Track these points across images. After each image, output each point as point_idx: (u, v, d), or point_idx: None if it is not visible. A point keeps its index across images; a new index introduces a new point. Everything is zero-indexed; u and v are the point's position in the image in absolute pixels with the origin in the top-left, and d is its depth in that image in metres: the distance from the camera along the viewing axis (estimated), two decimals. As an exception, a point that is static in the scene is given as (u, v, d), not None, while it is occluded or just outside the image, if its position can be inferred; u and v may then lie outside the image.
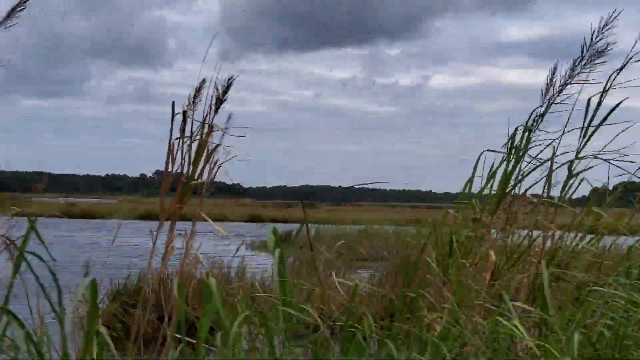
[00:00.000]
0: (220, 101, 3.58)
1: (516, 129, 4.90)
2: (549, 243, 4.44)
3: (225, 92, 3.51)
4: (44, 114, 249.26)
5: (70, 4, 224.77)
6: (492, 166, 4.69)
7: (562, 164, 4.64)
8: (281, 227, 6.07)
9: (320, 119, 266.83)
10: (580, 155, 4.64)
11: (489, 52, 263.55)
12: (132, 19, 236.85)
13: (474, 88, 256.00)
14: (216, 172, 3.88)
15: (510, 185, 4.65)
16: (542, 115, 4.91)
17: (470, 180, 4.75)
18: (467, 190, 4.76)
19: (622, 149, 4.58)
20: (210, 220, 3.76)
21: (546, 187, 4.55)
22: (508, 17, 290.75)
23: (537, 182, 4.62)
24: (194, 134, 3.81)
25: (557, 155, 4.65)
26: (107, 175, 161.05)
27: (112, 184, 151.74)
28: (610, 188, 4.78)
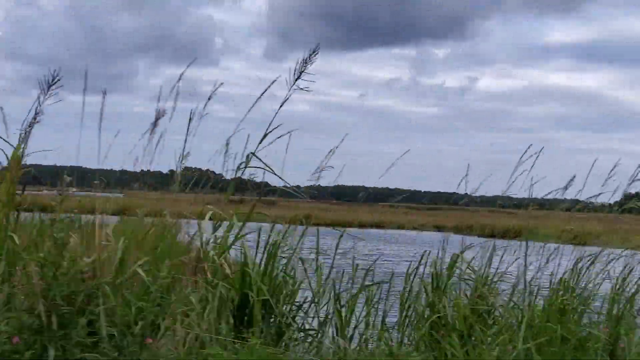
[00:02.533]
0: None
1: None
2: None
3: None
4: (91, 110, 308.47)
5: (119, 1, 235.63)
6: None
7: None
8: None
9: (363, 119, 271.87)
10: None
11: (535, 54, 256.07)
12: (179, 17, 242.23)
13: (518, 91, 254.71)
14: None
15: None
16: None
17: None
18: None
19: None
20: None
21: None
22: (556, 18, 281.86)
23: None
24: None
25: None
26: (141, 170, 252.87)
27: (141, 179, 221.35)
28: None
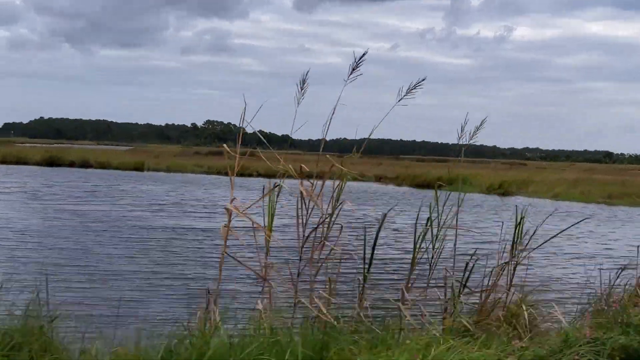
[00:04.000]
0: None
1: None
2: None
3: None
4: (119, 64, 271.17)
5: None
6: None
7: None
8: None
9: (394, 71, 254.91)
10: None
11: (573, 2, 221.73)
12: None
13: (554, 40, 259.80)
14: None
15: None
16: None
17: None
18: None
19: None
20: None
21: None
22: None
23: None
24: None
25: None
26: (166, 124, 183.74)
27: (163, 133, 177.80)
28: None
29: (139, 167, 52.54)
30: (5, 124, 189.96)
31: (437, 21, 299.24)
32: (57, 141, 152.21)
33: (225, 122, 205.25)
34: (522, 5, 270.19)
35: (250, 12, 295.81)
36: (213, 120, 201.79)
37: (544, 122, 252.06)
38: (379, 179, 55.46)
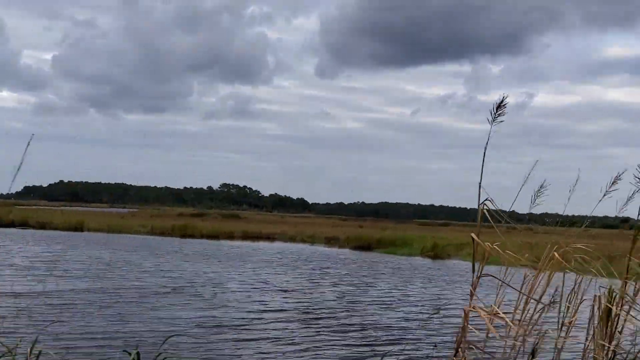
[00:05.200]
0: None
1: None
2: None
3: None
4: (143, 128, 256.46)
5: (173, 21, 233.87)
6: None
7: None
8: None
9: (415, 136, 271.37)
10: None
11: (593, 70, 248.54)
12: (233, 36, 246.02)
13: (575, 107, 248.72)
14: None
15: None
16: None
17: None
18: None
19: None
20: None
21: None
22: (615, 32, 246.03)
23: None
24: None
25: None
26: (184, 187, 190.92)
27: (180, 196, 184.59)
28: None
29: (79, 228, 51.78)
30: (26, 187, 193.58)
31: (459, 87, 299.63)
32: (70, 204, 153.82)
33: (241, 185, 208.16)
34: (542, 72, 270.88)
35: (273, 78, 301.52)
36: (229, 184, 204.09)
37: (564, 188, 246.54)
38: (329, 240, 54.25)
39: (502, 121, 4.78)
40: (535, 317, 4.52)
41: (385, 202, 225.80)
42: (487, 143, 4.80)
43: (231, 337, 13.05)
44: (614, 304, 4.76)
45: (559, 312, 4.89)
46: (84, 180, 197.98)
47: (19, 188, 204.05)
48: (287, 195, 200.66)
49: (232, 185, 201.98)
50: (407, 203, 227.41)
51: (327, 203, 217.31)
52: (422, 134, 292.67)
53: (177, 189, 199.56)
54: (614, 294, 4.87)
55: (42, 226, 51.64)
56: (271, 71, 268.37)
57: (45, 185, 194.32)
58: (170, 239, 48.84)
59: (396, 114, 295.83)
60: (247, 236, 54.56)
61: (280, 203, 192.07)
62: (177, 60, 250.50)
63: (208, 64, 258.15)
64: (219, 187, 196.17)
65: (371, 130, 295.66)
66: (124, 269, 25.03)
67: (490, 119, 4.71)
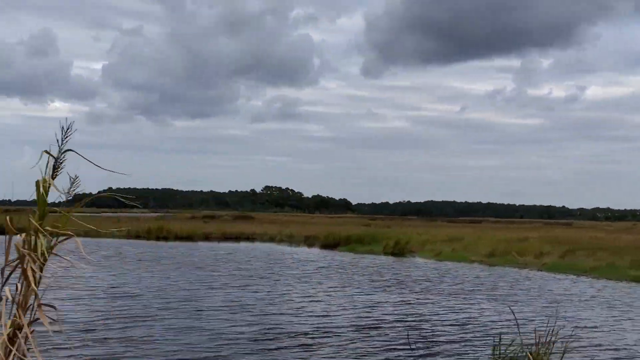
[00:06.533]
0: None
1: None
2: None
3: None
4: (191, 134, 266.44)
5: (218, 26, 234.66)
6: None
7: None
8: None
9: (463, 133, 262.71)
10: None
11: None
12: (277, 38, 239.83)
13: (626, 98, 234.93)
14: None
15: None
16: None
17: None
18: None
19: None
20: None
21: None
22: None
23: None
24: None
25: None
26: (229, 191, 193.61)
27: (223, 199, 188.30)
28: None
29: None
30: (76, 195, 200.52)
31: (507, 82, 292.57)
32: (115, 210, 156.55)
33: (284, 187, 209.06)
34: (592, 64, 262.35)
35: (319, 79, 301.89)
36: (271, 186, 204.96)
37: (616, 181, 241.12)
38: (307, 239, 54.46)
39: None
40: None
41: (432, 201, 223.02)
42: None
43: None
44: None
45: None
46: (131, 187, 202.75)
47: (69, 196, 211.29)
48: (330, 196, 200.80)
49: (275, 187, 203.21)
50: (454, 201, 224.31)
51: (372, 203, 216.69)
52: (470, 131, 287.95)
53: (222, 192, 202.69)
54: None
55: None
56: (316, 72, 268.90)
57: (94, 192, 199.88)
58: (144, 241, 49.80)
59: (443, 111, 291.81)
60: (226, 237, 55.18)
61: (322, 204, 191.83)
62: (223, 65, 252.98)
63: (253, 67, 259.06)
64: (262, 190, 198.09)
65: (417, 128, 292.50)
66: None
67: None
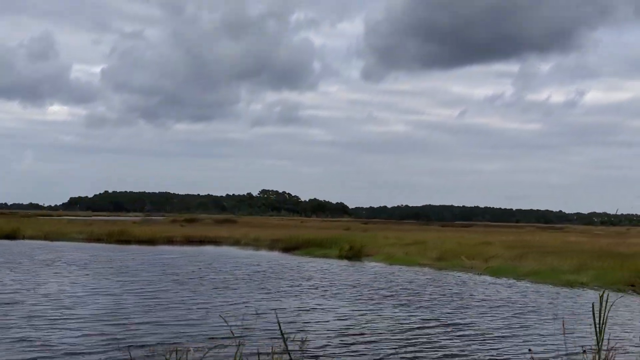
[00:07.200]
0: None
1: None
2: None
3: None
4: (191, 137, 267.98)
5: (219, 29, 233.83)
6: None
7: None
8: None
9: (463, 137, 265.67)
10: None
11: None
12: (278, 42, 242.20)
13: (627, 103, 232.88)
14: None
15: None
16: None
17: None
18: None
19: None
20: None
21: None
22: None
23: None
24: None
25: None
26: (226, 194, 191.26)
27: (221, 203, 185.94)
28: None
29: (12, 235, 51.93)
30: (72, 198, 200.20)
31: (507, 87, 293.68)
32: (112, 214, 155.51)
33: (281, 191, 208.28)
34: (592, 69, 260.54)
35: (320, 83, 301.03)
36: (268, 190, 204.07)
37: (614, 186, 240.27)
38: (273, 243, 53.57)
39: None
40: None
41: (429, 205, 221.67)
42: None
43: None
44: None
45: None
46: (128, 190, 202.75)
47: (65, 199, 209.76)
48: (327, 200, 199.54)
49: (272, 191, 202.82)
50: (452, 205, 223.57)
51: (370, 207, 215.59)
52: (469, 135, 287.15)
53: (219, 196, 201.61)
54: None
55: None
56: (317, 77, 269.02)
57: (90, 196, 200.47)
58: (103, 245, 48.85)
59: (443, 116, 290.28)
60: (190, 240, 54.16)
61: (319, 208, 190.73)
62: (224, 69, 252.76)
63: (255, 71, 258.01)
64: (259, 194, 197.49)
65: (418, 132, 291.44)
66: None
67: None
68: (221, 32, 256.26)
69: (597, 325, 5.02)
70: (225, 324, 14.49)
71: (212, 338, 14.44)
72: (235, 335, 13.45)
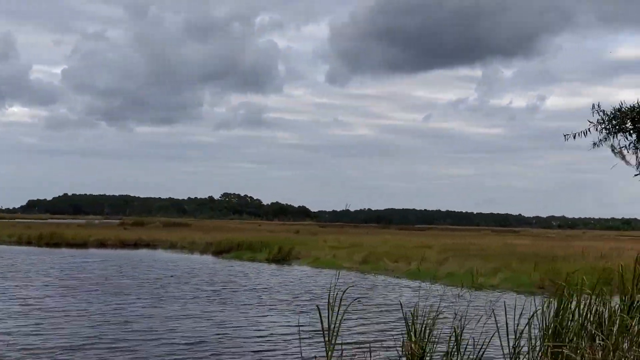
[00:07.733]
0: None
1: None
2: None
3: None
4: (154, 140, 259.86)
5: (182, 31, 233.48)
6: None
7: None
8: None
9: (428, 141, 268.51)
10: None
11: (605, 71, 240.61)
12: (243, 45, 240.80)
13: (586, 109, 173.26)
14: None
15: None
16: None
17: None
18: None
19: None
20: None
21: None
22: (628, 33, 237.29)
23: None
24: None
25: None
26: (188, 198, 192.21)
27: (182, 206, 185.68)
28: None
29: None
30: (30, 201, 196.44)
31: (470, 92, 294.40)
32: (71, 217, 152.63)
33: (242, 194, 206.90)
34: (554, 74, 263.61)
35: (285, 86, 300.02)
36: (230, 193, 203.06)
37: (575, 190, 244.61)
38: (208, 246, 52.22)
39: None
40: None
41: (392, 209, 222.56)
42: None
43: None
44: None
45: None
46: (87, 193, 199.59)
47: (23, 202, 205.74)
48: (289, 204, 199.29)
49: (233, 194, 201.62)
50: (414, 209, 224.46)
51: (332, 210, 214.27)
52: (434, 140, 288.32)
53: (180, 199, 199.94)
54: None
55: None
56: (283, 80, 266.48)
57: (49, 199, 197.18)
58: (32, 248, 47.31)
59: (408, 120, 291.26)
60: (124, 244, 52.74)
61: (281, 211, 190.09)
62: (188, 71, 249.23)
63: (219, 73, 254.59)
64: (220, 197, 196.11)
65: (383, 136, 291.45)
66: None
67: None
68: (185, 34, 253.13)
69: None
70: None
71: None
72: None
